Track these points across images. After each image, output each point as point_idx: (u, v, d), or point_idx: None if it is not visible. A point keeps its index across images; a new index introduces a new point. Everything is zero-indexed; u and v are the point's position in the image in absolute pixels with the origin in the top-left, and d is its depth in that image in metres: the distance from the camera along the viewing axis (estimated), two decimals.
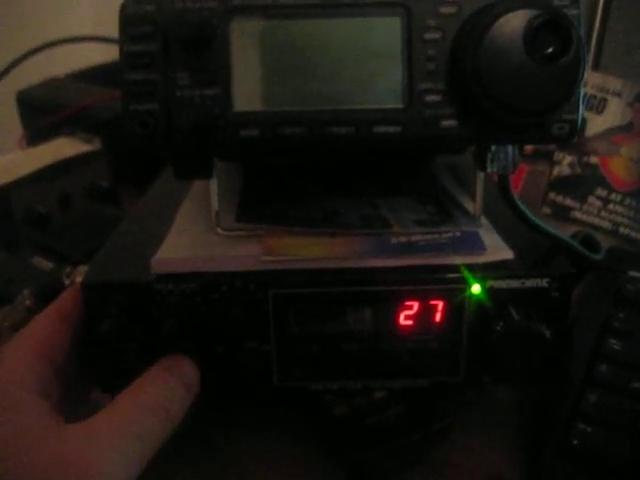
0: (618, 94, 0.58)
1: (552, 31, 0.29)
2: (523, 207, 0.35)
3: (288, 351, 0.35)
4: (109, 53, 0.75)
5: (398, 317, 0.34)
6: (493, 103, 0.30)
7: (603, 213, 0.58)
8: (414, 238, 0.35)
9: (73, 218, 0.62)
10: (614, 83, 0.59)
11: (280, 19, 0.31)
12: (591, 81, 0.59)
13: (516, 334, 0.33)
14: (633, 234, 0.57)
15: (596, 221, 0.59)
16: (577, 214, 0.60)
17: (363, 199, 0.41)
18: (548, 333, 0.33)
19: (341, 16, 0.31)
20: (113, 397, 0.30)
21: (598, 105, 0.59)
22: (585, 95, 0.59)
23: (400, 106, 0.31)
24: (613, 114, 0.59)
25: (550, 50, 0.29)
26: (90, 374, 0.34)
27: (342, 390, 0.36)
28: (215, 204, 0.37)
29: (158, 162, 0.47)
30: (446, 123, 0.31)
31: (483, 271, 0.34)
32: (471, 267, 0.34)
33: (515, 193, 0.35)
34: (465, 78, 0.30)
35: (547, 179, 0.61)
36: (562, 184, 0.60)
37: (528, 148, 0.62)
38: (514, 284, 0.34)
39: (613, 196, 0.58)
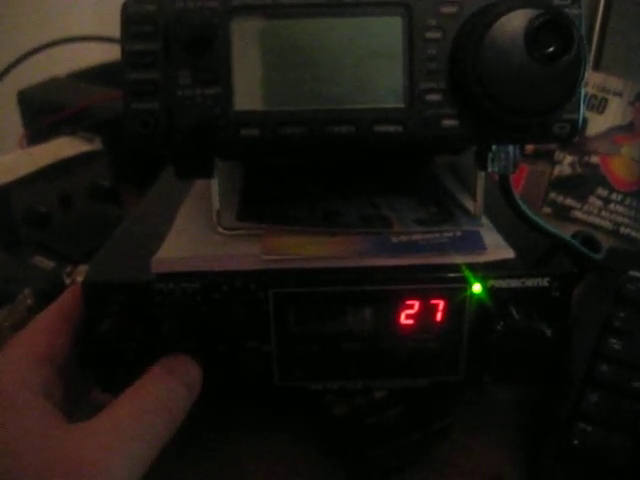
0: (619, 94, 0.58)
1: (553, 31, 0.29)
2: (524, 207, 0.35)
3: (288, 351, 0.35)
4: (110, 53, 0.75)
5: (398, 317, 0.34)
6: (494, 103, 0.30)
7: (604, 213, 0.58)
8: (415, 237, 0.35)
9: (74, 218, 0.62)
10: (615, 83, 0.59)
11: (281, 19, 0.31)
12: (592, 81, 0.59)
13: (517, 334, 0.33)
14: (634, 234, 0.57)
15: (597, 221, 0.59)
16: (578, 214, 0.60)
17: (363, 199, 0.41)
18: (549, 333, 0.33)
19: (342, 16, 0.31)
20: (113, 397, 0.30)
21: (599, 105, 0.59)
22: (586, 95, 0.59)
23: (401, 106, 0.31)
24: (614, 114, 0.59)
25: (551, 50, 0.29)
26: (90, 374, 0.34)
27: (342, 390, 0.36)
28: (216, 203, 0.37)
29: (159, 162, 0.47)
30: (447, 123, 0.31)
31: (484, 270, 0.34)
32: (472, 266, 0.34)
33: (516, 193, 0.35)
34: (466, 78, 0.30)
35: (548, 179, 0.61)
36: (563, 184, 0.60)
37: (529, 148, 0.62)
38: (515, 284, 0.34)
39: (614, 196, 0.58)
